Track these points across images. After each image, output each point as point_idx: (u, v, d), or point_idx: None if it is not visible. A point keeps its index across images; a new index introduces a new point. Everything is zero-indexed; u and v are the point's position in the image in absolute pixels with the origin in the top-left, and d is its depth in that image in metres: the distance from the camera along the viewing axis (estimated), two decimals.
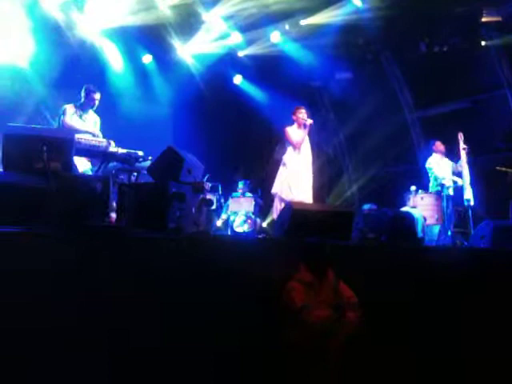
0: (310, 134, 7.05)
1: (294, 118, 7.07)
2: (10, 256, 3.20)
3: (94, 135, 5.95)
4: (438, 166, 8.14)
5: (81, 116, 6.23)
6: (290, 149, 6.99)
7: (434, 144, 8.31)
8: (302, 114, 7.02)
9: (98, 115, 6.48)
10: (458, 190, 7.89)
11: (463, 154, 7.96)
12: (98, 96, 6.33)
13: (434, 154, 8.28)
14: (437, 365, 4.56)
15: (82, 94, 6.31)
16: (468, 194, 7.78)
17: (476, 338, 4.68)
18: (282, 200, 6.77)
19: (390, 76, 10.99)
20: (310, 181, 6.99)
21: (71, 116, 6.14)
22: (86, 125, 6.23)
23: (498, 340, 4.69)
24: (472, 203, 7.78)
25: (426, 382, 4.55)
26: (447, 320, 4.66)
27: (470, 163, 8.02)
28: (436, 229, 7.71)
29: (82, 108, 6.28)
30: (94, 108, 6.39)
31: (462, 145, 7.98)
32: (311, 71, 10.79)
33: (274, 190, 6.98)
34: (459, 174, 8.00)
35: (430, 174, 8.23)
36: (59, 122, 6.14)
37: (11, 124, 4.81)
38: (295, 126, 7.05)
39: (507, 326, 4.77)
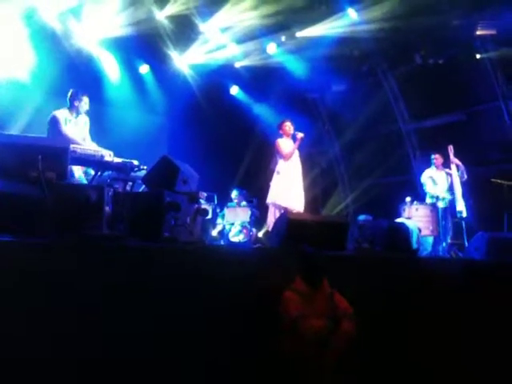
0: (301, 146, 7.19)
1: (281, 131, 7.26)
2: (2, 265, 3.18)
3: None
4: (432, 180, 8.18)
5: (71, 121, 6.16)
6: (281, 160, 7.10)
7: (434, 157, 8.38)
8: (288, 126, 7.23)
9: (94, 123, 6.44)
10: (452, 202, 7.94)
11: (454, 167, 8.04)
12: (86, 99, 6.28)
13: (431, 167, 8.34)
14: (431, 373, 4.55)
15: (71, 98, 6.23)
16: (460, 206, 7.84)
17: (470, 347, 4.68)
18: (277, 209, 6.85)
19: (385, 88, 11.06)
20: (301, 190, 7.09)
21: (65, 122, 6.06)
22: (78, 128, 6.18)
23: (489, 350, 4.69)
24: (464, 215, 7.84)
25: None
26: (441, 330, 4.65)
27: (468, 174, 8.10)
28: (429, 240, 7.74)
29: (75, 112, 6.21)
30: (85, 111, 6.31)
31: (452, 158, 8.05)
32: (307, 83, 10.86)
33: (268, 200, 7.06)
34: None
35: (424, 188, 8.32)
36: (55, 131, 6.01)
37: (6, 132, 4.79)
38: (284, 138, 7.22)
39: (501, 336, 4.77)
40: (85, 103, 6.25)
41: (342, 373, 3.91)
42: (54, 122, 5.99)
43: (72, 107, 6.20)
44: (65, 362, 3.26)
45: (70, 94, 6.23)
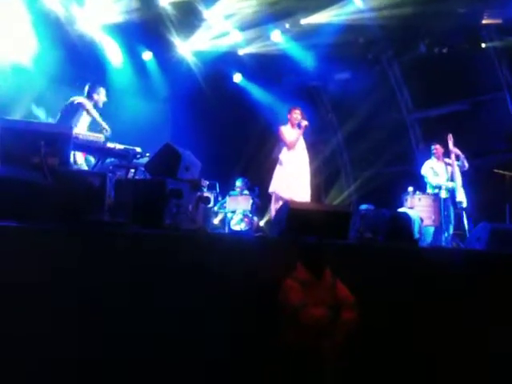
0: (305, 135, 7.09)
1: (289, 116, 7.14)
2: (5, 251, 3.18)
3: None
4: (433, 171, 8.15)
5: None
6: (284, 148, 7.04)
7: (434, 148, 8.33)
8: (297, 114, 7.09)
9: (97, 110, 6.45)
10: (453, 191, 7.90)
11: (453, 157, 8.00)
12: (104, 91, 6.33)
13: (432, 158, 8.30)
14: (433, 363, 4.56)
15: (90, 91, 6.25)
16: (460, 197, 7.80)
17: (472, 337, 4.69)
18: (278, 199, 6.80)
19: (389, 76, 10.99)
20: (307, 180, 7.01)
21: (92, 109, 6.12)
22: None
23: (490, 340, 4.70)
24: (465, 205, 7.80)
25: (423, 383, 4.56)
26: (443, 319, 4.66)
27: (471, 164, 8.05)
28: (430, 230, 7.72)
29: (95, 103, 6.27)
30: (103, 103, 6.36)
31: (451, 147, 8.00)
32: (311, 70, 10.78)
33: (271, 189, 7.02)
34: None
35: (425, 180, 8.29)
36: (73, 117, 5.98)
37: (9, 118, 4.78)
38: (289, 125, 7.11)
39: (502, 327, 4.77)
40: (103, 95, 6.29)
41: (344, 363, 3.91)
42: (80, 109, 6.00)
43: (90, 99, 6.24)
44: (65, 362, 3.27)
45: (87, 87, 6.31)
